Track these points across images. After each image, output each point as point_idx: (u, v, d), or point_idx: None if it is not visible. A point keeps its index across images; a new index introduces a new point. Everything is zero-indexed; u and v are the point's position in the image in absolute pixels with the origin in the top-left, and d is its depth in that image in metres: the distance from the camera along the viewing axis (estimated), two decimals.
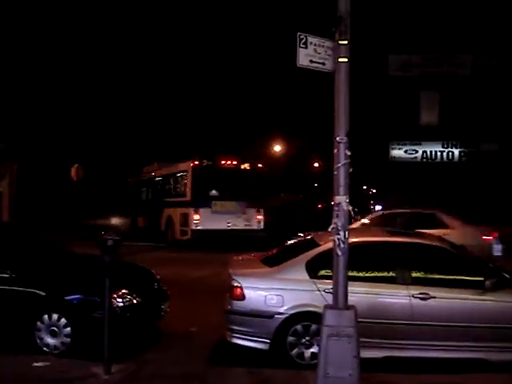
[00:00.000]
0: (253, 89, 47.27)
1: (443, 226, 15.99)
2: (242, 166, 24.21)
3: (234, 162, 24.11)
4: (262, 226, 23.99)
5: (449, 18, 27.10)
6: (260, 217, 23.88)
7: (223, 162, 23.84)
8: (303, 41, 6.59)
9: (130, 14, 37.65)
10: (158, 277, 9.70)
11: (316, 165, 64.09)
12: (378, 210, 17.64)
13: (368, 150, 44.16)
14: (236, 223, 23.11)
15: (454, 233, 13.65)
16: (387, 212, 17.91)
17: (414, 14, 27.46)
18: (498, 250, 15.40)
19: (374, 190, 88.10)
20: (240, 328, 7.83)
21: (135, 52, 38.73)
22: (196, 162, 23.24)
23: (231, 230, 22.93)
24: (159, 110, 43.24)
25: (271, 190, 27.24)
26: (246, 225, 23.43)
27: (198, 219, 22.36)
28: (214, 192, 22.99)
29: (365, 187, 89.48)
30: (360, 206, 67.08)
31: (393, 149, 29.04)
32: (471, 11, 26.94)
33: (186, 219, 23.09)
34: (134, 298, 8.34)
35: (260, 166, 24.83)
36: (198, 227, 22.20)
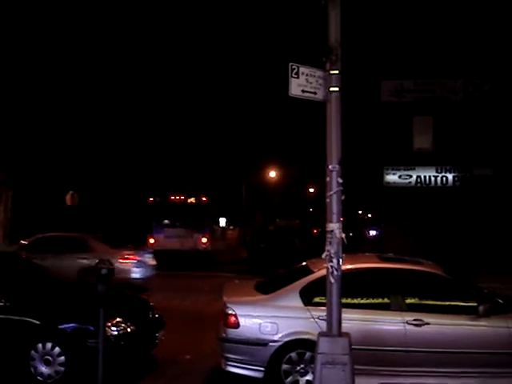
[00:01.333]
0: (249, 116, 47.53)
1: (89, 249, 16.71)
2: (189, 200, 29.14)
3: (182, 198, 29.14)
4: (207, 247, 27.93)
5: (441, 44, 27.41)
6: (205, 240, 27.81)
7: (172, 198, 29.04)
8: (295, 71, 6.70)
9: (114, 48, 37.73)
10: (153, 304, 9.68)
11: (311, 190, 64.19)
12: (38, 234, 18.34)
13: (363, 175, 44.33)
14: (184, 245, 27.13)
15: (95, 256, 13.95)
16: (44, 235, 18.32)
17: (406, 40, 27.77)
18: (136, 272, 16.96)
19: (370, 215, 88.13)
20: (234, 356, 7.82)
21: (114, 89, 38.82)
22: (151, 199, 29.16)
23: (180, 250, 26.94)
24: (153, 140, 43.32)
25: (213, 219, 32.07)
26: (191, 247, 27.38)
27: (153, 242, 27.19)
28: (166, 221, 28.14)
29: (360, 212, 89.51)
30: (355, 231, 67.10)
31: (387, 174, 29.14)
32: (463, 36, 27.27)
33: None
34: (129, 327, 8.33)
35: (204, 199, 29.32)
36: (154, 248, 24.79)
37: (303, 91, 6.72)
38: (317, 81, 6.76)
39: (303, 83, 6.70)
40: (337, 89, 6.67)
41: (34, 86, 32.74)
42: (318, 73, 6.77)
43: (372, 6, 26.61)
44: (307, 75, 6.73)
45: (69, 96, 35.29)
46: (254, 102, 46.05)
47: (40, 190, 33.76)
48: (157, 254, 21.04)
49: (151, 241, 27.53)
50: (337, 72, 6.67)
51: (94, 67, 36.18)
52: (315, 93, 6.77)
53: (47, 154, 34.46)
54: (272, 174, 54.38)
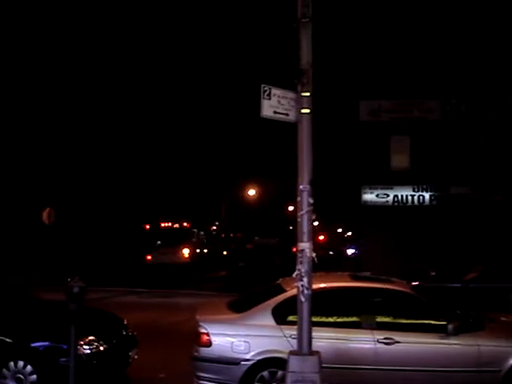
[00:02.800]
0: (227, 136, 47.78)
1: None
2: (174, 225, 38.26)
3: (169, 224, 38.37)
4: (188, 260, 35.86)
5: (418, 64, 27.78)
6: (186, 255, 36.04)
7: (162, 225, 38.35)
8: (267, 92, 6.79)
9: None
10: (126, 322, 9.66)
11: (290, 208, 64.32)
12: None
13: (342, 193, 44.60)
14: (172, 259, 34.38)
15: None
16: None
17: (383, 61, 28.12)
18: None
19: (350, 233, 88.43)
20: (207, 375, 7.83)
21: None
22: (147, 226, 38.44)
23: (170, 262, 33.75)
24: (133, 161, 43.29)
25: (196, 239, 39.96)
26: (177, 259, 34.83)
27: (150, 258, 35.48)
28: (159, 242, 36.41)
29: (340, 230, 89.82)
30: (336, 249, 67.25)
31: (364, 193, 29.34)
32: (440, 58, 27.68)
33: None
34: (101, 345, 8.32)
35: (185, 224, 38.44)
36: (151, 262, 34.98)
37: (275, 112, 6.81)
38: (289, 102, 6.86)
39: (275, 104, 6.80)
40: (308, 110, 6.77)
41: (14, 98, 32.56)
42: (290, 94, 6.87)
43: (349, 26, 26.99)
44: (279, 97, 6.83)
45: (51, 108, 35.14)
46: (232, 123, 46.25)
47: (15, 207, 33.47)
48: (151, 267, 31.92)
49: (148, 257, 35.36)
50: (308, 94, 6.78)
51: (78, 84, 36.13)
52: (287, 114, 6.87)
53: (22, 169, 34.19)
54: (251, 192, 54.49)
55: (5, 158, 32.00)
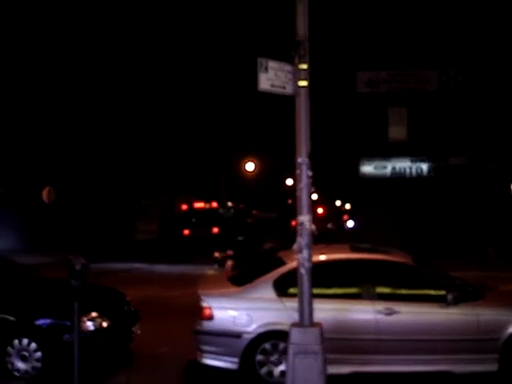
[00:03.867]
0: (226, 110, 47.66)
1: None
2: (206, 206, 42.81)
3: (201, 204, 42.80)
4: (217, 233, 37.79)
5: (415, 35, 27.62)
6: (216, 230, 38.09)
7: (196, 205, 42.60)
8: (264, 65, 6.74)
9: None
10: (129, 298, 9.73)
11: (289, 182, 64.33)
12: None
13: (340, 166, 44.57)
14: (205, 232, 37.01)
15: None
16: None
17: (380, 32, 27.94)
18: None
19: (348, 206, 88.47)
20: (209, 348, 7.92)
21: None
22: (184, 207, 42.21)
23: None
24: (133, 136, 43.17)
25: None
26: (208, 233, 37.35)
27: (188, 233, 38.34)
28: (193, 220, 39.61)
29: (339, 203, 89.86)
30: (336, 222, 67.38)
31: (363, 165, 29.36)
32: (437, 27, 27.50)
33: None
34: (104, 321, 8.38)
35: (214, 204, 42.98)
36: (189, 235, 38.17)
37: (272, 86, 6.77)
38: (286, 75, 6.81)
39: (272, 78, 6.75)
40: (305, 83, 6.74)
41: (17, 81, 32.37)
42: (287, 67, 6.82)
43: None
44: (276, 70, 6.78)
45: (52, 92, 34.95)
46: (231, 95, 46.11)
47: (17, 187, 33.44)
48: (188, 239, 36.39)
49: (186, 232, 38.59)
50: (305, 66, 6.74)
51: (77, 67, 35.88)
52: (284, 87, 6.83)
53: (22, 148, 34.11)
54: (250, 166, 54.42)
55: (5, 138, 31.89)
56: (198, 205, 42.97)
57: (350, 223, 63.57)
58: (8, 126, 32.20)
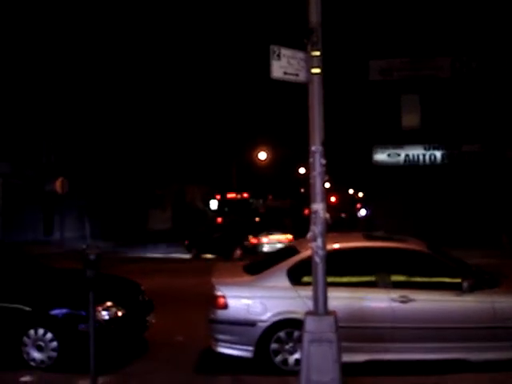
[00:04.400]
0: (239, 99, 47.72)
1: None
2: (238, 196, 44.87)
3: (233, 195, 44.92)
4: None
5: (427, 22, 27.39)
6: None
7: (228, 196, 44.98)
8: (276, 53, 6.70)
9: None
10: (143, 288, 9.77)
11: (302, 171, 64.23)
12: None
13: (353, 154, 44.40)
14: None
15: None
16: None
17: (393, 19, 27.74)
18: None
19: (361, 194, 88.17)
20: (224, 337, 7.93)
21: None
22: (218, 197, 45.26)
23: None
24: (145, 123, 43.27)
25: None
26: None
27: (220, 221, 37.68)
28: (226, 209, 42.79)
29: (351, 191, 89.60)
30: (349, 211, 67.24)
31: (376, 153, 29.23)
32: (450, 14, 27.25)
33: None
34: (119, 310, 8.42)
35: (245, 195, 45.13)
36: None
37: (285, 73, 6.74)
38: (298, 63, 6.77)
39: (285, 65, 6.72)
40: (318, 70, 6.69)
41: (34, 72, 32.47)
42: (300, 54, 6.78)
43: None
44: (289, 57, 6.74)
45: (63, 84, 35.05)
46: (243, 85, 46.12)
47: (30, 177, 33.62)
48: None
49: (219, 220, 38.23)
50: (318, 53, 6.69)
51: (87, 53, 35.92)
52: (297, 74, 6.79)
53: (36, 139, 34.27)
54: (262, 155, 54.37)
55: (18, 128, 32.02)
56: (231, 195, 45.30)
57: (363, 212, 63.51)
58: (23, 115, 32.32)
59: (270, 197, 57.17)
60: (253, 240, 24.44)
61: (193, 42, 46.59)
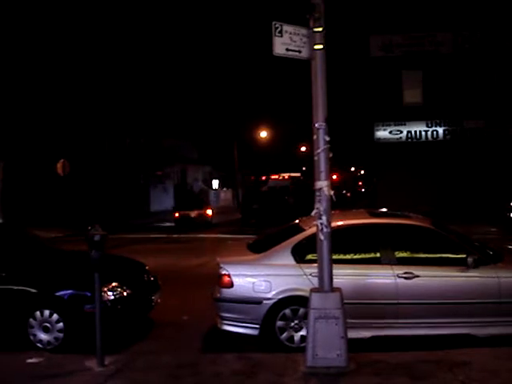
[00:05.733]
0: (240, 76, 47.43)
1: None
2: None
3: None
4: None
5: None
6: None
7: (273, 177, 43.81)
8: (278, 29, 6.65)
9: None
10: (148, 268, 9.79)
11: (303, 149, 64.17)
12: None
13: (354, 131, 44.35)
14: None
15: None
16: None
17: None
18: None
19: (363, 172, 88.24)
20: (230, 315, 7.95)
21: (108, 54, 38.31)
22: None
23: None
24: (145, 105, 43.09)
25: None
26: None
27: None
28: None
29: (353, 169, 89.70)
30: (349, 188, 67.28)
31: (377, 130, 29.15)
32: None
33: None
34: (125, 291, 8.44)
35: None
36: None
37: (287, 50, 6.69)
38: (301, 39, 6.73)
39: (287, 42, 6.67)
40: (321, 46, 6.64)
41: (21, 53, 32.29)
42: (302, 31, 6.73)
43: None
44: (291, 33, 6.69)
45: (59, 61, 34.80)
46: (244, 63, 45.86)
47: (31, 160, 33.57)
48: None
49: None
50: (320, 29, 6.64)
51: (85, 28, 35.65)
52: (300, 51, 6.74)
53: (36, 122, 34.16)
54: (263, 133, 54.26)
55: (18, 111, 31.92)
56: (274, 176, 44.13)
57: (365, 189, 63.53)
58: (21, 99, 32.20)
59: (252, 177, 57.45)
60: None
61: (194, 19, 46.29)
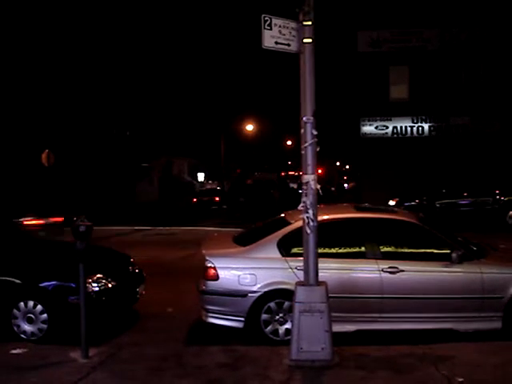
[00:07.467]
0: (226, 70, 47.37)
1: None
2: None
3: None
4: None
5: None
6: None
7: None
8: (268, 22, 6.64)
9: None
10: (133, 260, 9.76)
11: (289, 143, 64.20)
12: None
13: (340, 126, 44.41)
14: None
15: None
16: None
17: None
18: None
19: (348, 167, 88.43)
20: (215, 307, 7.95)
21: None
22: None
23: None
24: (131, 97, 42.87)
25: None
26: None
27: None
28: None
29: (338, 164, 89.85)
30: (334, 183, 67.43)
31: (363, 125, 29.21)
32: None
33: None
34: (109, 282, 8.42)
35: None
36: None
37: (276, 43, 6.68)
38: (290, 32, 6.72)
39: (276, 35, 6.66)
40: (310, 40, 6.64)
41: (5, 44, 32.02)
42: (291, 24, 6.73)
43: None
44: (280, 26, 6.69)
45: (45, 52, 34.55)
46: (230, 56, 45.79)
47: (15, 150, 33.30)
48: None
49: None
50: (310, 23, 6.64)
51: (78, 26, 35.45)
52: (289, 44, 6.74)
53: (22, 112, 33.89)
54: (250, 126, 54.24)
55: (3, 101, 31.63)
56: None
57: (350, 184, 63.78)
58: (8, 89, 31.93)
59: (238, 170, 58.03)
60: None
61: (181, 10, 46.09)
